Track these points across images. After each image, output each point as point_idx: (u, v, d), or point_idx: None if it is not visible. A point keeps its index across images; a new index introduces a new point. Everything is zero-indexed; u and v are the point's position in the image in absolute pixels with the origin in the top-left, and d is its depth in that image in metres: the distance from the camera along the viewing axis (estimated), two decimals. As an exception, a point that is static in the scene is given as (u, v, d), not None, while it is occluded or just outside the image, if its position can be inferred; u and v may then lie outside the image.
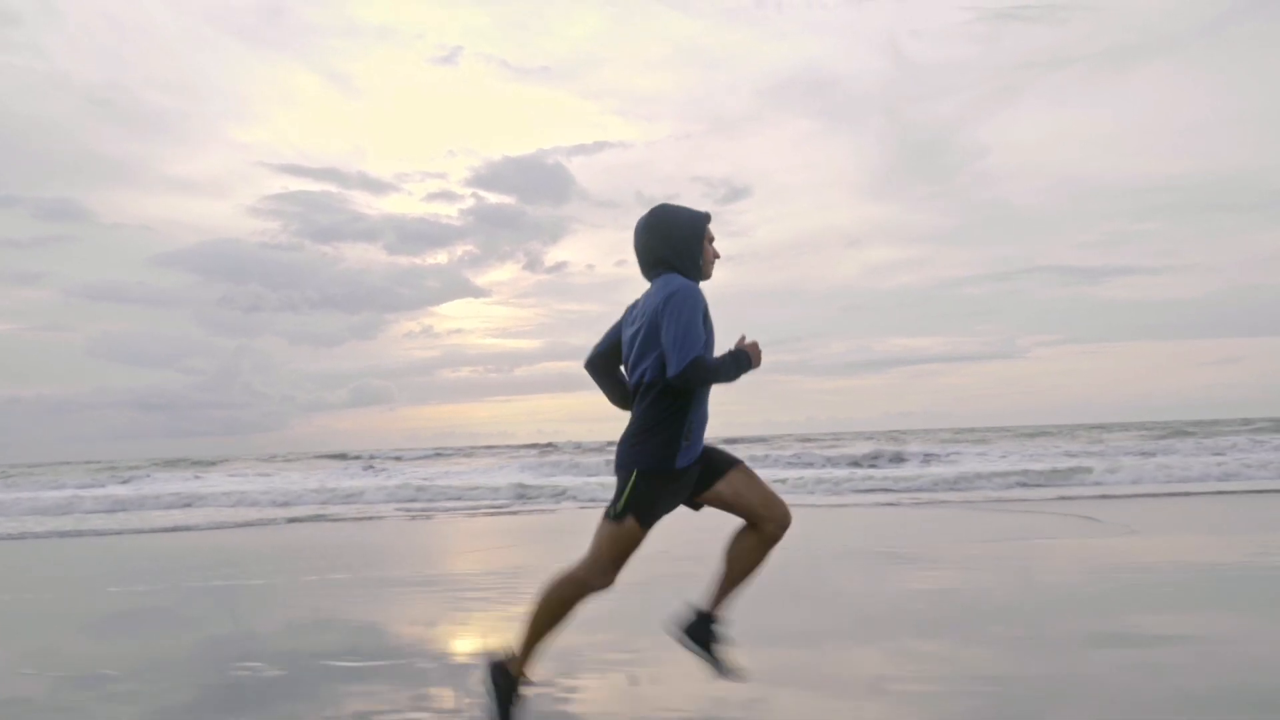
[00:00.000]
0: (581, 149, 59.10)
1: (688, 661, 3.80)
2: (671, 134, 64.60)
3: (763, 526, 3.09)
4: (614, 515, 2.98)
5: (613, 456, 3.07)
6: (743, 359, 3.00)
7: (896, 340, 73.33)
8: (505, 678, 3.04)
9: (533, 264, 62.30)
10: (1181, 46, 55.41)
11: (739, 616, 3.43)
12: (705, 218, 3.12)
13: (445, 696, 3.37)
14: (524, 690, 3.06)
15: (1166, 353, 66.90)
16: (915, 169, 62.82)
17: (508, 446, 41.97)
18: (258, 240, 56.59)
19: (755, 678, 3.42)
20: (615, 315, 3.23)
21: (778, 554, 3.13)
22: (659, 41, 63.59)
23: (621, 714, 3.13)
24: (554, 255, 63.64)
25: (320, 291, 60.41)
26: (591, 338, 3.28)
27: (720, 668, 3.12)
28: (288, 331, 66.38)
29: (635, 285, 3.21)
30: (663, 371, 2.93)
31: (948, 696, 3.19)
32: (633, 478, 2.94)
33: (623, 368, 3.15)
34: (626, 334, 3.09)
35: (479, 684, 3.14)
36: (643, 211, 3.14)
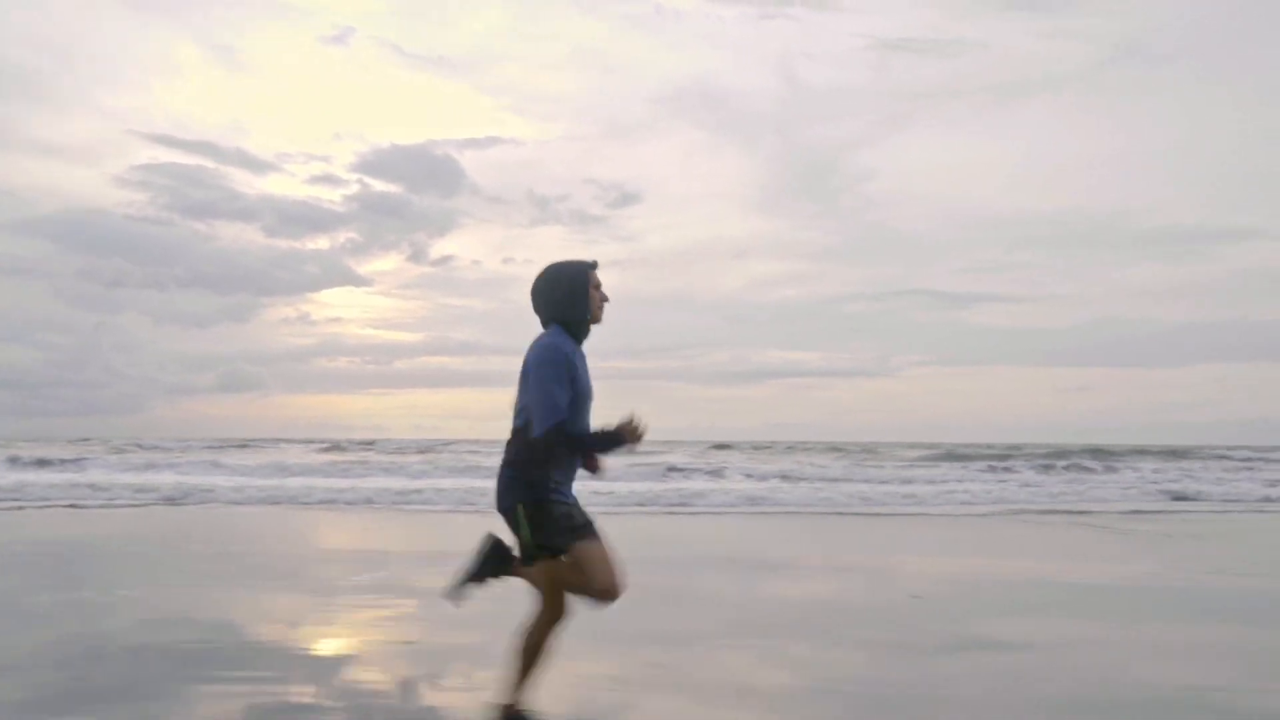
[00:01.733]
0: (474, 143, 58.56)
1: (556, 666, 3.78)
2: (566, 134, 64.47)
3: (545, 612, 3.15)
4: (532, 555, 3.05)
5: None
6: (614, 439, 3.06)
7: (776, 353, 75.15)
8: (497, 560, 3.13)
9: (417, 256, 61.16)
10: (1061, 89, 58.65)
11: (614, 618, 3.42)
12: (589, 268, 3.24)
13: (300, 693, 3.27)
14: (492, 581, 3.17)
15: (1028, 378, 70.59)
16: (803, 187, 64.50)
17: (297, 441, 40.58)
18: (123, 212, 53.45)
19: (625, 681, 3.43)
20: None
21: (651, 559, 3.16)
22: (559, 41, 63.44)
23: (487, 717, 3.09)
24: (440, 248, 62.74)
25: (190, 270, 57.78)
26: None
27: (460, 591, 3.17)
28: (153, 310, 63.11)
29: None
30: (527, 422, 3.04)
31: (814, 699, 3.27)
32: (520, 513, 3.02)
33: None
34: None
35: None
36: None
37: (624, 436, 3.07)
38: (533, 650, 3.15)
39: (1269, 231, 55.73)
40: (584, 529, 3.07)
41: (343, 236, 59.12)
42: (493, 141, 58.06)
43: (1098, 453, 27.88)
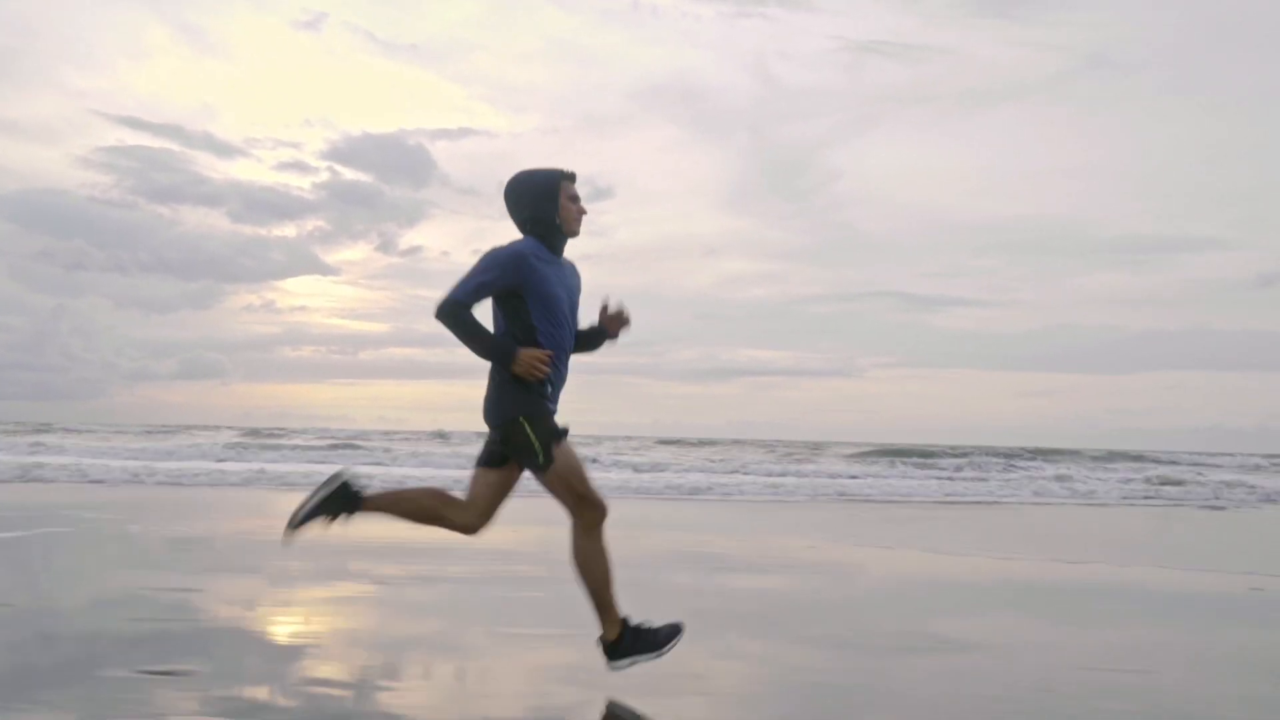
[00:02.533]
0: (445, 133, 57.97)
1: (517, 658, 3.79)
2: (539, 127, 64.09)
3: (577, 523, 3.11)
4: (544, 465, 3.02)
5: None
6: (503, 350, 3.03)
7: (744, 351, 75.34)
8: (622, 641, 3.11)
9: (386, 246, 60.49)
10: (1026, 97, 59.42)
11: (567, 611, 3.43)
12: (560, 175, 3.18)
13: (254, 680, 3.24)
14: (343, 520, 3.18)
15: (990, 382, 71.40)
16: (774, 186, 64.75)
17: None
18: (86, 193, 52.53)
19: (579, 677, 3.44)
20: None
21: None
22: (533, 34, 63.07)
23: (447, 712, 3.09)
24: (409, 239, 62.13)
25: (153, 254, 56.78)
26: (443, 325, 3.29)
27: (676, 634, 3.15)
28: (114, 294, 62.07)
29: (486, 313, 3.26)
30: (509, 322, 3.07)
31: (767, 696, 3.31)
32: (524, 424, 3.01)
33: None
34: None
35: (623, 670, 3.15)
36: (504, 201, 3.20)
37: (516, 359, 3.02)
38: (593, 568, 3.11)
39: (1229, 242, 57.02)
40: (561, 438, 3.07)
41: (310, 224, 58.53)
42: (465, 132, 57.59)
43: (1048, 454, 28.53)
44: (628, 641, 3.13)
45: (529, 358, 3.01)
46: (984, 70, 57.36)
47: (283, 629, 4.23)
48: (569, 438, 3.11)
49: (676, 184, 66.92)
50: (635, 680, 3.34)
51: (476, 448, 3.34)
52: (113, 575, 5.67)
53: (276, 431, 34.43)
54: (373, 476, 14.31)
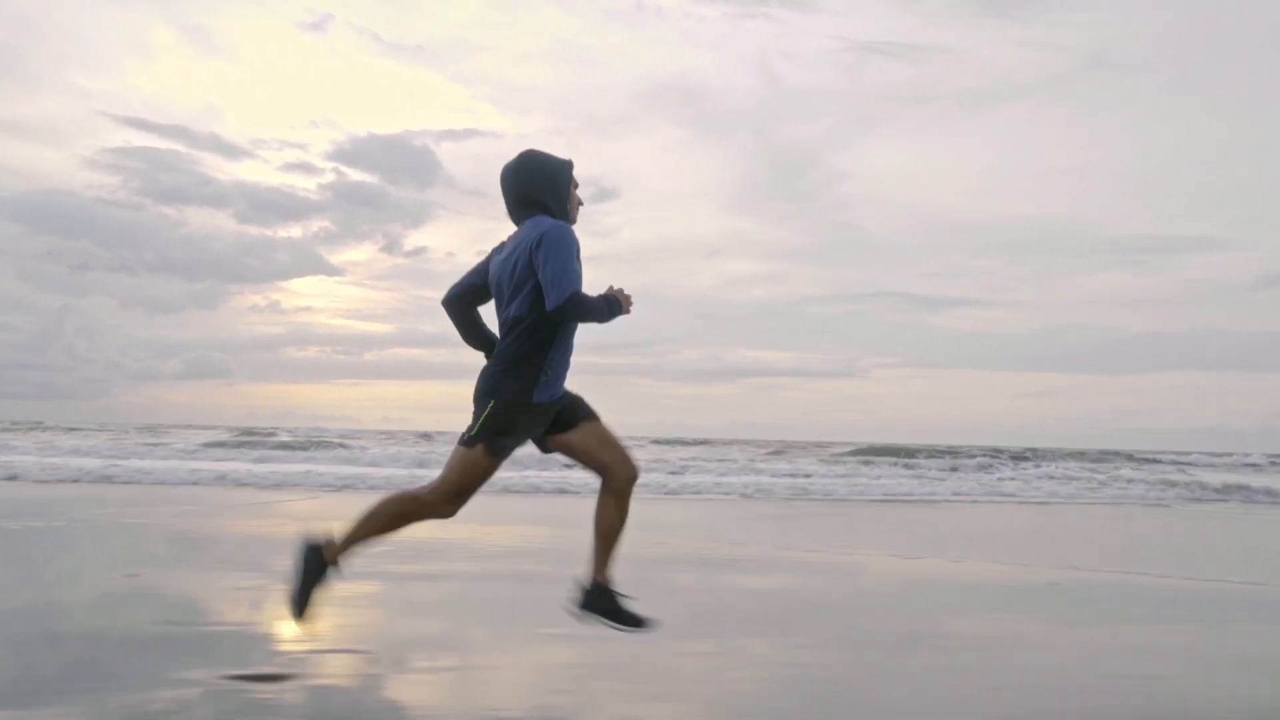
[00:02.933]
0: (451, 134, 57.92)
1: (522, 656, 3.81)
2: (543, 128, 64.06)
3: (609, 482, 3.20)
4: (466, 440, 3.08)
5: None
6: (615, 304, 3.14)
7: (747, 352, 75.32)
8: (317, 560, 3.16)
9: (391, 246, 60.52)
10: (1026, 97, 59.32)
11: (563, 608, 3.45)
12: (570, 164, 3.27)
13: (259, 677, 3.27)
14: (332, 577, 3.19)
15: (993, 382, 71.35)
16: (777, 187, 64.71)
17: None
18: (93, 194, 52.54)
19: (584, 675, 3.47)
20: None
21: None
22: (537, 34, 63.04)
23: (453, 710, 3.11)
24: (414, 239, 62.01)
25: (159, 255, 56.86)
26: (447, 326, 3.35)
27: (634, 624, 3.19)
28: (120, 294, 62.14)
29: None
30: (533, 308, 3.04)
31: (770, 694, 3.33)
32: (490, 406, 3.04)
33: (495, 305, 3.23)
34: (498, 273, 3.16)
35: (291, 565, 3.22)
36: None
37: (622, 303, 3.17)
38: (602, 524, 3.19)
39: (1230, 242, 56.89)
40: (500, 447, 3.07)
41: (316, 225, 58.51)
42: (470, 133, 57.53)
43: (1045, 455, 28.52)
44: (315, 569, 3.16)
45: (625, 298, 3.17)
46: (985, 70, 57.34)
47: (287, 627, 4.26)
48: (500, 463, 3.14)
49: (679, 185, 66.92)
50: (635, 678, 3.38)
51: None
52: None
53: (266, 431, 34.36)
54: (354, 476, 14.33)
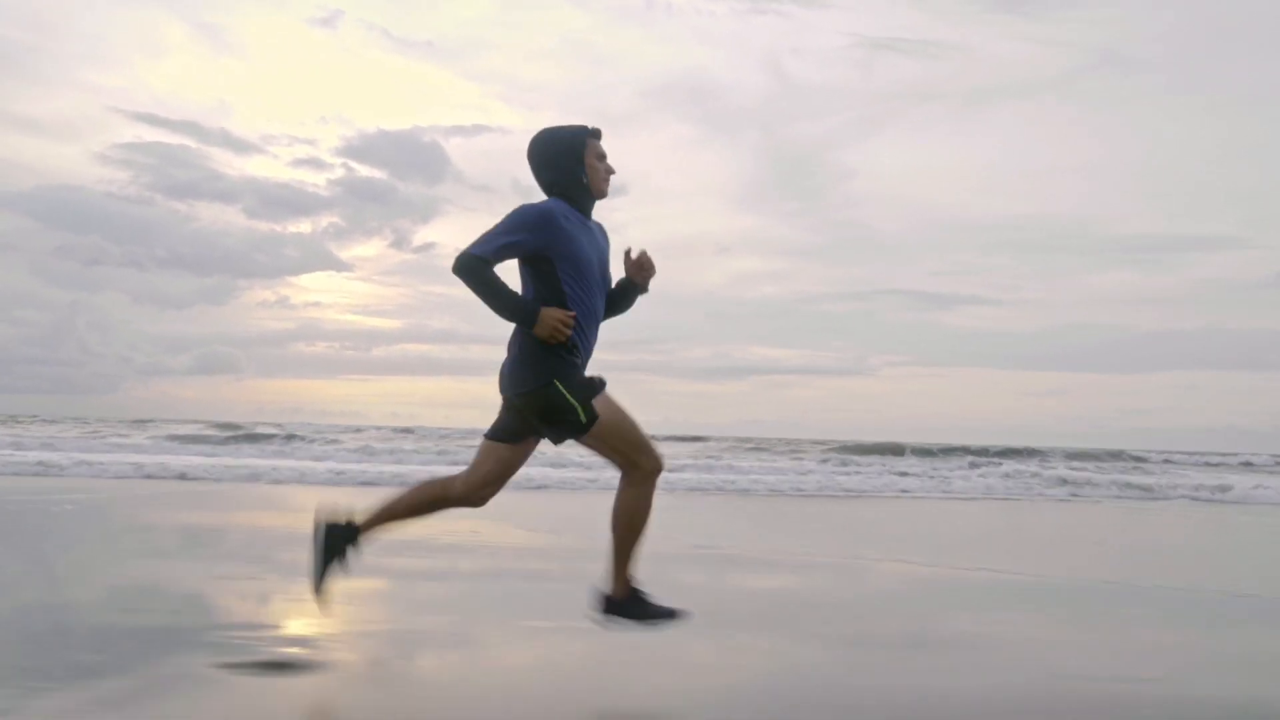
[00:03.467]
0: (460, 130, 57.68)
1: (531, 652, 3.82)
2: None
3: (631, 473, 3.07)
4: (588, 424, 2.92)
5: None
6: (525, 311, 2.92)
7: (755, 349, 75.01)
8: (338, 539, 3.14)
9: (400, 242, 60.42)
10: (1035, 94, 58.91)
11: (582, 605, 3.46)
12: (585, 133, 3.08)
13: (269, 673, 3.29)
14: (354, 555, 3.16)
15: (1001, 380, 71.01)
16: (786, 184, 64.41)
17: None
18: (104, 190, 52.60)
19: (594, 671, 3.47)
20: (481, 301, 3.26)
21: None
22: (548, 31, 62.88)
23: (461, 705, 3.12)
24: (423, 235, 61.88)
25: (169, 250, 56.74)
26: (456, 322, 3.38)
27: (669, 617, 3.17)
28: (130, 289, 62.27)
29: (503, 271, 3.22)
30: (536, 293, 2.98)
31: (773, 691, 3.33)
32: (560, 389, 2.92)
33: None
34: None
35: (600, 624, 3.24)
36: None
37: (538, 320, 2.90)
38: (631, 519, 3.07)
39: (1241, 241, 56.38)
40: (594, 397, 2.96)
41: (325, 221, 58.40)
42: (479, 129, 57.25)
43: (1045, 454, 28.51)
44: (627, 605, 3.14)
45: (552, 318, 2.89)
46: (994, 67, 56.91)
47: (295, 622, 4.28)
48: (607, 389, 3.02)
49: (688, 182, 66.71)
50: (642, 675, 3.38)
51: (439, 444, 3.38)
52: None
53: (250, 425, 34.22)
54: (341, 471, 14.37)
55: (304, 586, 3.47)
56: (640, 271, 3.26)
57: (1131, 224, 59.06)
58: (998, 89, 58.15)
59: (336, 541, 3.17)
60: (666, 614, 3.17)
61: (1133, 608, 5.36)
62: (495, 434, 3.17)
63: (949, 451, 27.21)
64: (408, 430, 33.73)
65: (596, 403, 2.94)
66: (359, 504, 3.36)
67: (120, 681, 3.08)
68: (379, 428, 34.03)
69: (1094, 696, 3.31)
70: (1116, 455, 30.46)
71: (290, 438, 25.06)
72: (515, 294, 2.97)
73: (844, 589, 5.86)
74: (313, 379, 68.69)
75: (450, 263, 2.91)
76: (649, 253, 3.24)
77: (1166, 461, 29.85)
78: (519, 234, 2.93)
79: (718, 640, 3.99)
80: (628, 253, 3.25)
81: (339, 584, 3.32)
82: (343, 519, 3.19)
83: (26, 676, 3.14)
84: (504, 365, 3.09)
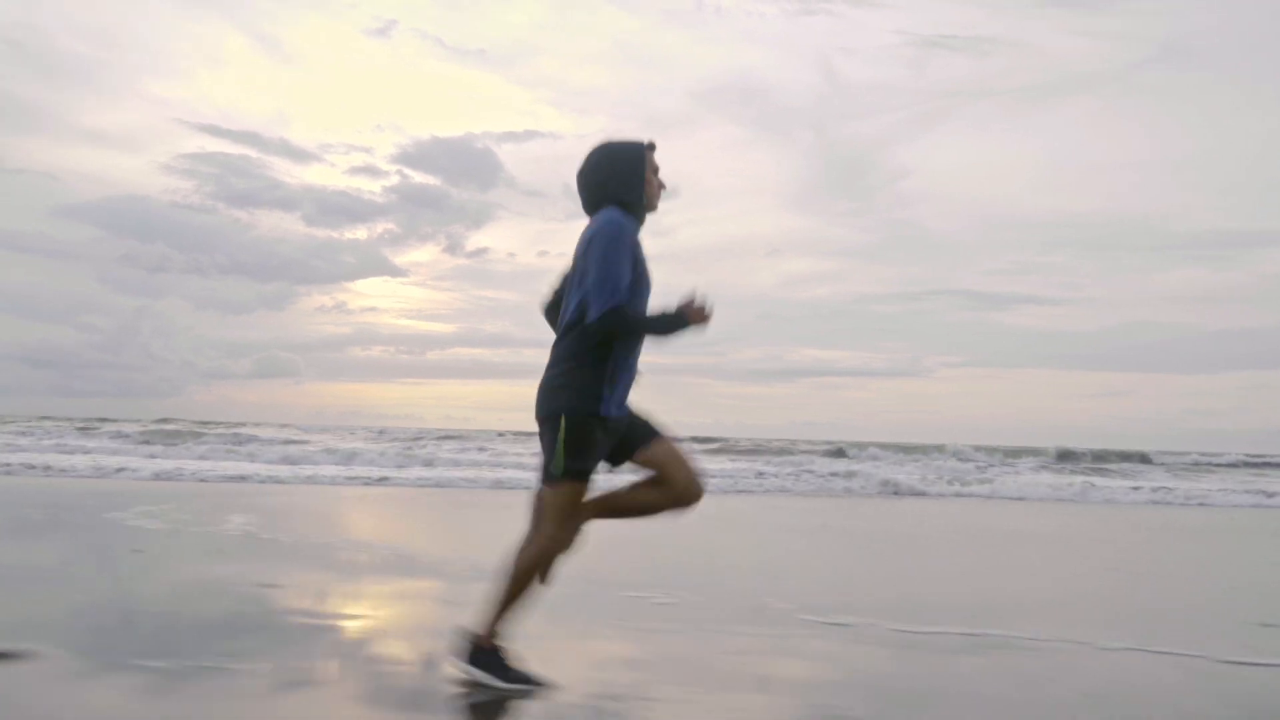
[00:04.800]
0: (512, 136, 58.24)
1: (574, 648, 3.84)
2: (603, 128, 64.00)
3: (669, 489, 3.01)
4: (553, 475, 2.87)
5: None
6: (677, 320, 2.87)
7: (807, 351, 74.53)
8: (485, 653, 2.97)
9: (453, 247, 61.26)
10: (1094, 90, 57.58)
11: (624, 604, 3.47)
12: (646, 147, 3.05)
13: (323, 667, 3.35)
14: (509, 653, 3.00)
15: (1061, 381, 69.57)
16: (838, 185, 63.91)
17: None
18: (168, 199, 54.06)
19: (636, 666, 3.48)
20: (534, 305, 3.24)
21: (702, 541, 3.19)
22: (597, 36, 63.18)
23: (506, 700, 3.15)
24: (476, 240, 62.72)
25: (230, 258, 58.23)
26: (508, 326, 3.36)
27: (521, 681, 2.99)
28: (193, 295, 63.85)
29: (555, 274, 3.23)
30: (583, 315, 2.85)
31: (828, 690, 3.31)
32: (562, 424, 2.83)
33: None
34: (567, 274, 3.04)
35: (458, 677, 3.05)
36: (569, 203, 3.15)
37: (688, 317, 2.87)
38: (524, 574, 2.94)
39: (1312, 234, 54.60)
40: (588, 466, 2.86)
41: (380, 227, 59.38)
42: (530, 135, 57.85)
43: (1098, 455, 28.00)
44: (489, 658, 2.98)
45: (694, 313, 2.86)
46: (1052, 62, 55.78)
47: (350, 620, 4.36)
48: (595, 476, 2.93)
49: (739, 183, 66.46)
50: (694, 675, 3.38)
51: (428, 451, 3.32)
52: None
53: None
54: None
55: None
56: (695, 316, 3.08)
57: (1197, 219, 57.41)
58: (1054, 84, 57.05)
59: (483, 657, 3.02)
60: (523, 678, 3.02)
61: None
62: (636, 445, 3.04)
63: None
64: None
65: (573, 480, 2.88)
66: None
67: (181, 670, 3.19)
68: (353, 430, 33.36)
69: None
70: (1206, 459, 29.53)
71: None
72: (656, 315, 2.90)
73: None
74: (369, 382, 69.88)
75: (592, 326, 2.81)
76: (710, 305, 3.02)
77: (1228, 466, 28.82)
78: (628, 254, 2.86)
79: (769, 642, 3.95)
80: (690, 298, 3.06)
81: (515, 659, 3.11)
82: (470, 636, 3.04)
83: (95, 664, 3.26)
84: (541, 384, 3.03)
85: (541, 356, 3.13)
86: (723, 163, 63.34)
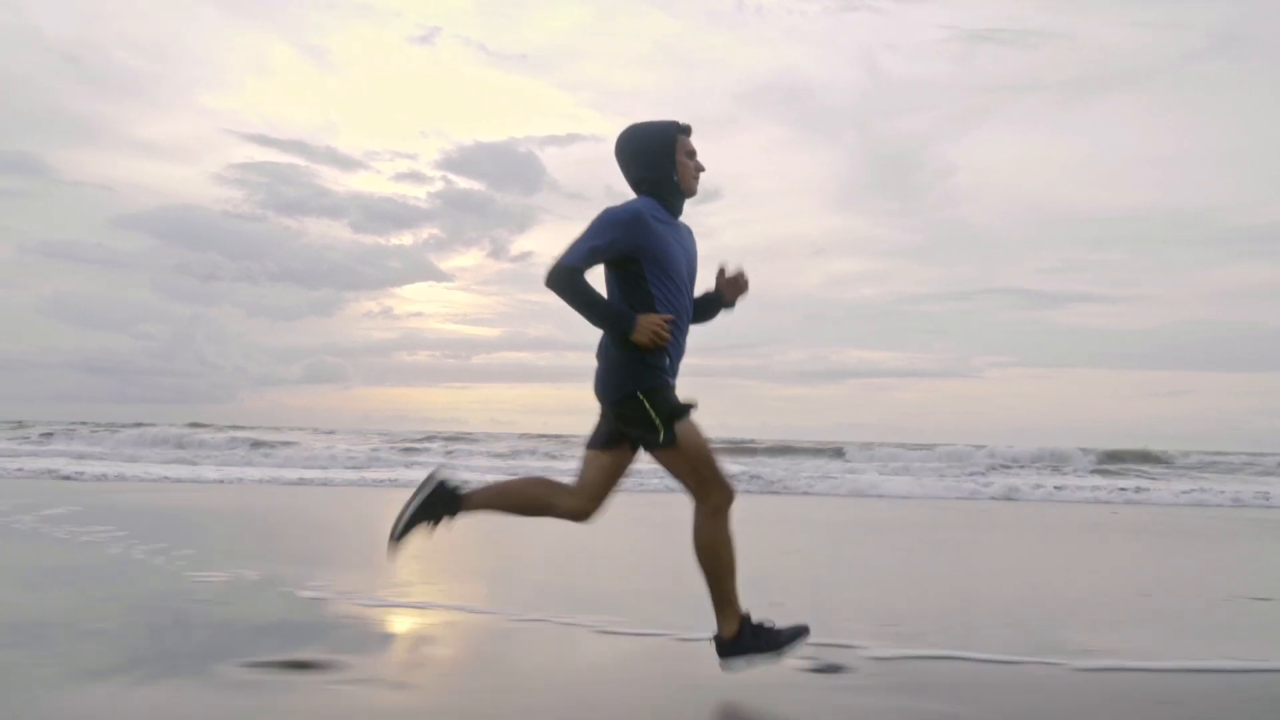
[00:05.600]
0: (554, 139, 58.62)
1: (623, 651, 3.83)
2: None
3: (703, 504, 2.95)
4: (666, 443, 2.84)
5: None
6: (622, 319, 2.83)
7: (853, 352, 73.75)
8: (740, 639, 2.96)
9: (497, 252, 61.73)
10: (1148, 82, 56.33)
11: (679, 608, 3.45)
12: (676, 129, 2.99)
13: (374, 668, 3.38)
14: (446, 523, 3.09)
15: (1117, 381, 68.04)
16: (883, 183, 63.24)
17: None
18: (220, 209, 55.38)
19: (691, 672, 3.46)
20: None
21: (842, 543, 3.16)
22: (639, 39, 63.26)
23: (554, 704, 3.15)
24: (520, 244, 63.10)
25: (280, 265, 59.32)
26: (552, 330, 3.38)
27: (800, 636, 3.02)
28: (244, 303, 65.12)
29: (596, 277, 3.19)
30: (624, 296, 2.91)
31: (903, 687, 3.26)
32: (642, 400, 2.84)
33: None
34: None
35: (730, 673, 3.06)
36: (612, 204, 3.01)
37: (633, 329, 2.81)
38: (716, 555, 2.93)
39: (1379, 228, 52.81)
40: (686, 414, 2.88)
41: (426, 233, 60.07)
42: (573, 138, 58.04)
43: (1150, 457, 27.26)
44: (746, 639, 2.95)
45: (649, 324, 2.81)
46: (1103, 54, 54.56)
47: (400, 619, 4.39)
48: (694, 414, 2.91)
49: (783, 184, 66.08)
50: (752, 679, 3.34)
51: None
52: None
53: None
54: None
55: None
56: (733, 289, 3.18)
57: (1260, 213, 55.83)
58: (1106, 77, 55.87)
59: (438, 502, 3.10)
60: (794, 634, 3.02)
61: None
62: (594, 442, 3.11)
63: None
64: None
65: (683, 425, 2.87)
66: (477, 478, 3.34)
67: (231, 669, 3.23)
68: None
69: None
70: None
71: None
72: (608, 302, 2.89)
73: None
74: (416, 387, 70.64)
75: (544, 274, 2.87)
76: (746, 271, 3.14)
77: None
78: (607, 236, 2.85)
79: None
80: (722, 268, 3.17)
81: (412, 543, 3.26)
82: (453, 484, 3.13)
83: (148, 662, 3.32)
84: (597, 372, 3.04)
85: (587, 360, 3.11)
86: (766, 163, 63.05)
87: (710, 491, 2.91)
